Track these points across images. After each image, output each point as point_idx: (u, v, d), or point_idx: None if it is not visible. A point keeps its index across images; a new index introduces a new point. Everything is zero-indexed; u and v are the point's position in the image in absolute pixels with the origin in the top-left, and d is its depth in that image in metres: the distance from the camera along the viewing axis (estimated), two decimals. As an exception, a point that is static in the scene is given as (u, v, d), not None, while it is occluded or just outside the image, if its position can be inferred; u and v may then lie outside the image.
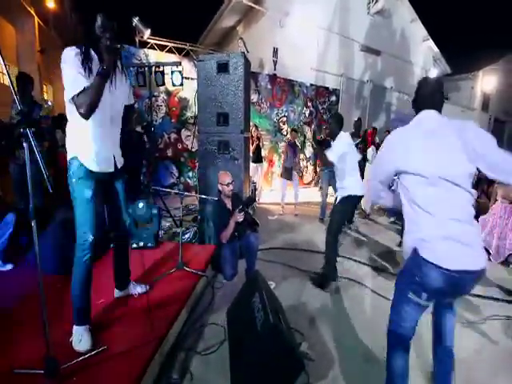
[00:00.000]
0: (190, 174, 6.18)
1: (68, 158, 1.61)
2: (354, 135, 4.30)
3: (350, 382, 1.73)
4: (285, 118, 7.33)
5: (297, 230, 4.46)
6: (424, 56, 11.77)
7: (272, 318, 1.60)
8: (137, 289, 2.11)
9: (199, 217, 3.50)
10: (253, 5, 7.62)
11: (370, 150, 5.33)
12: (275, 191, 6.73)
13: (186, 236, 3.65)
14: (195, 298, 2.38)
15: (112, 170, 1.73)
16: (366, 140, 5.50)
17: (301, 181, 7.88)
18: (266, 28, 7.67)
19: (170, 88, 5.56)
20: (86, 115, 1.47)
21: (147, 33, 5.63)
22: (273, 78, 6.97)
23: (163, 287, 2.24)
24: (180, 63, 4.47)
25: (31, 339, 1.59)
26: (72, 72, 1.46)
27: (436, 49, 11.73)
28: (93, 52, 1.55)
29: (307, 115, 7.75)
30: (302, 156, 7.69)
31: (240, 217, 2.56)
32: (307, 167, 7.94)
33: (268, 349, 1.56)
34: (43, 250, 2.21)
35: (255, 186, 5.39)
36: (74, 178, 1.59)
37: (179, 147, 6.02)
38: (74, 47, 1.50)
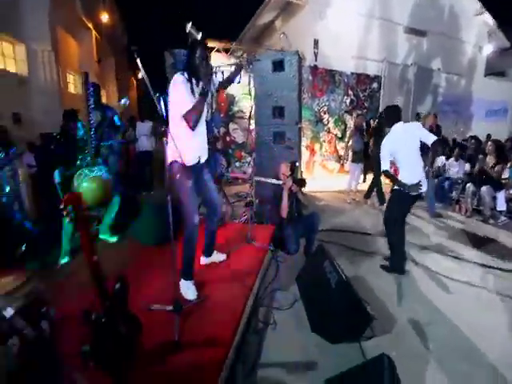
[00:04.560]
0: (237, 164, 6.59)
1: (169, 161, 1.90)
2: None
3: (411, 340, 1.95)
4: (326, 108, 7.39)
5: (344, 214, 4.64)
6: (477, 32, 10.76)
7: (345, 277, 1.87)
8: (219, 257, 2.51)
9: (256, 200, 3.84)
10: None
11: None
12: (316, 180, 6.88)
13: (243, 218, 4.01)
14: (264, 268, 2.72)
15: (197, 162, 2.05)
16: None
17: (342, 168, 7.93)
18: (306, 20, 7.68)
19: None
20: (194, 127, 1.88)
21: (198, 37, 6.00)
22: (314, 69, 7.06)
23: (238, 257, 2.62)
24: (242, 67, 4.78)
25: (156, 287, 2.05)
26: (182, 96, 1.87)
27: (491, 22, 10.65)
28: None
29: (348, 104, 7.73)
30: (342, 144, 7.71)
31: (289, 182, 2.82)
32: (348, 155, 7.93)
33: (342, 302, 1.85)
34: (145, 225, 2.70)
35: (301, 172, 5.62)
36: (177, 175, 1.93)
37: (227, 140, 6.45)
38: (180, 75, 1.90)
